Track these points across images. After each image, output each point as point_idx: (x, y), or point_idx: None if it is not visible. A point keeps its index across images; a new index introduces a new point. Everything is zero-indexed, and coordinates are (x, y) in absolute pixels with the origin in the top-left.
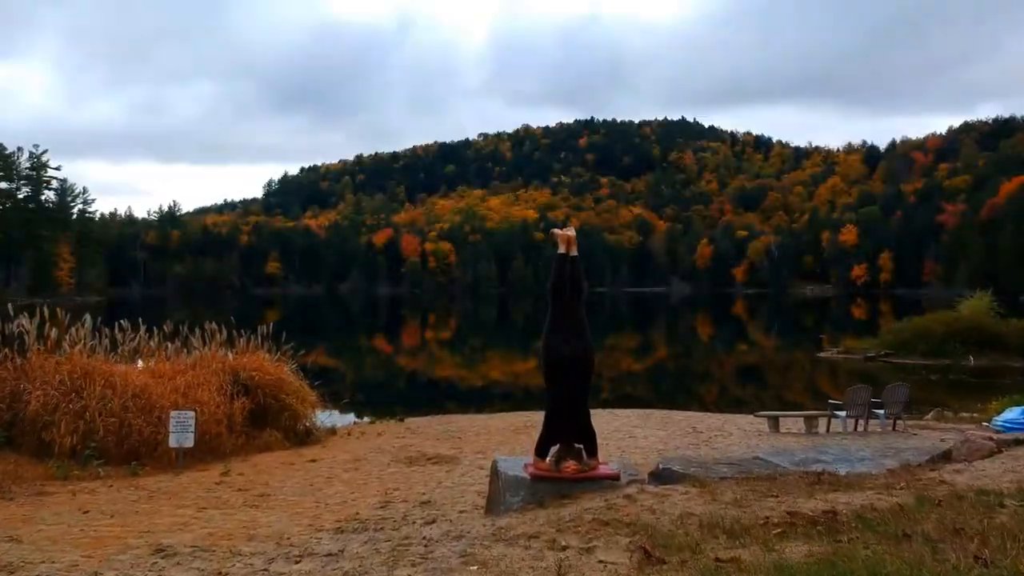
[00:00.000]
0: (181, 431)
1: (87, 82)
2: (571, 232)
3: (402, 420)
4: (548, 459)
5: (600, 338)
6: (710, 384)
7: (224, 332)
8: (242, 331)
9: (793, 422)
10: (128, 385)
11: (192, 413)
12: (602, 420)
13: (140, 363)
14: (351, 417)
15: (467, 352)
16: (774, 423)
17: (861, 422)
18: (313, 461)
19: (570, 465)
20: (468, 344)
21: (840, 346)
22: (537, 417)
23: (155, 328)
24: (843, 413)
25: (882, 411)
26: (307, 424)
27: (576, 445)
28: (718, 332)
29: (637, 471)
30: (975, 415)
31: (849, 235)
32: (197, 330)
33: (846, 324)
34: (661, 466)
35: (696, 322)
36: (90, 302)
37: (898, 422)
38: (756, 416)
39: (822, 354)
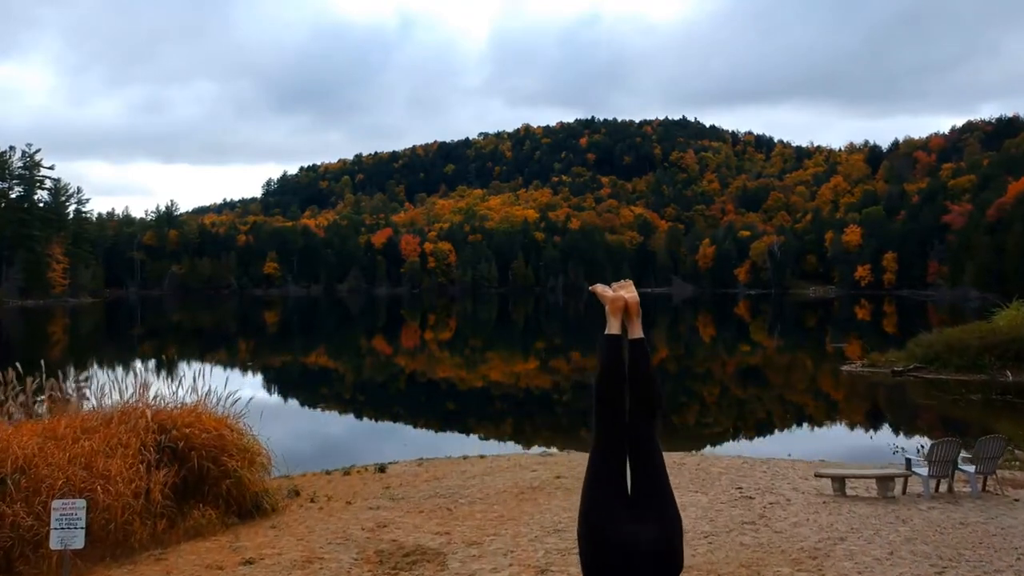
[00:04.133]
0: (67, 527)
1: (88, 82)
2: (628, 293)
3: (383, 469)
4: None
5: None
6: (720, 395)
7: (155, 374)
8: (175, 370)
9: (860, 480)
10: (7, 455)
11: (83, 503)
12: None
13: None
14: (334, 419)
15: (467, 353)
16: (840, 485)
17: (944, 481)
18: (249, 563)
19: None
20: (468, 345)
21: (865, 358)
22: (545, 473)
23: (63, 371)
24: (924, 471)
25: (970, 467)
26: (257, 491)
27: None
28: (724, 335)
29: None
30: None
31: (852, 235)
32: (120, 369)
33: (850, 326)
34: None
35: (699, 323)
36: (84, 304)
37: (988, 480)
38: (817, 475)
39: (846, 367)
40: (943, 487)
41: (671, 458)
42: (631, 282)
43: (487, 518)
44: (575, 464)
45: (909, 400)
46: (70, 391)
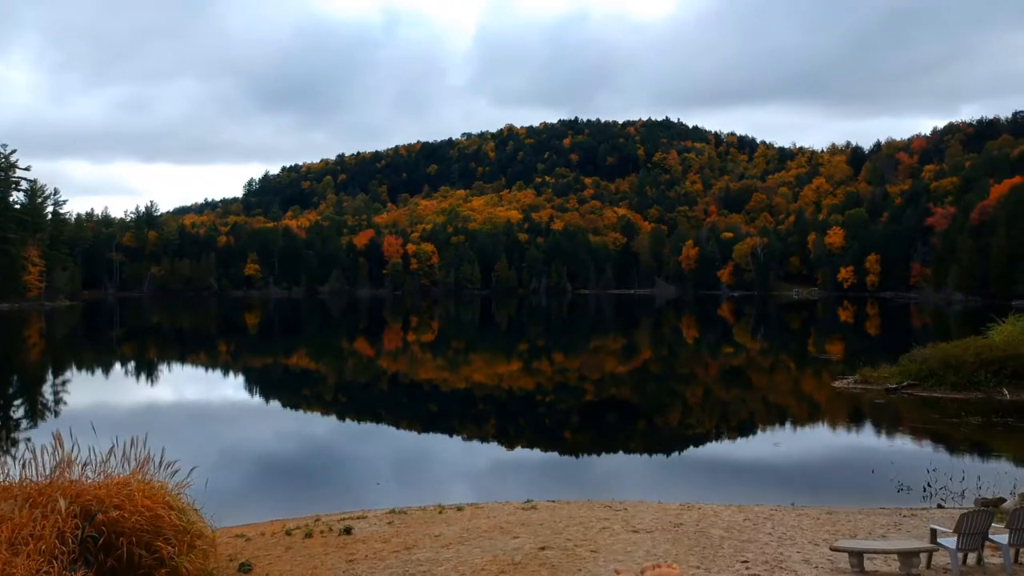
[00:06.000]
0: None
1: (70, 80)
2: None
3: (349, 531)
4: None
5: (585, 341)
6: (706, 410)
7: (77, 445)
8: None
9: (880, 553)
10: None
11: None
12: (614, 542)
13: None
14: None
15: (450, 355)
16: (857, 560)
17: (973, 553)
18: None
19: None
20: (451, 347)
21: (857, 374)
22: (528, 540)
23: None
24: (951, 543)
25: (1002, 537)
26: None
27: None
28: (708, 339)
29: None
30: None
31: (835, 237)
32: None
33: (833, 328)
34: None
35: (683, 325)
36: (61, 307)
37: (1022, 551)
38: (833, 549)
39: (838, 383)
40: (971, 559)
41: (667, 512)
42: (676, 569)
43: None
44: (560, 525)
45: (907, 424)
46: None
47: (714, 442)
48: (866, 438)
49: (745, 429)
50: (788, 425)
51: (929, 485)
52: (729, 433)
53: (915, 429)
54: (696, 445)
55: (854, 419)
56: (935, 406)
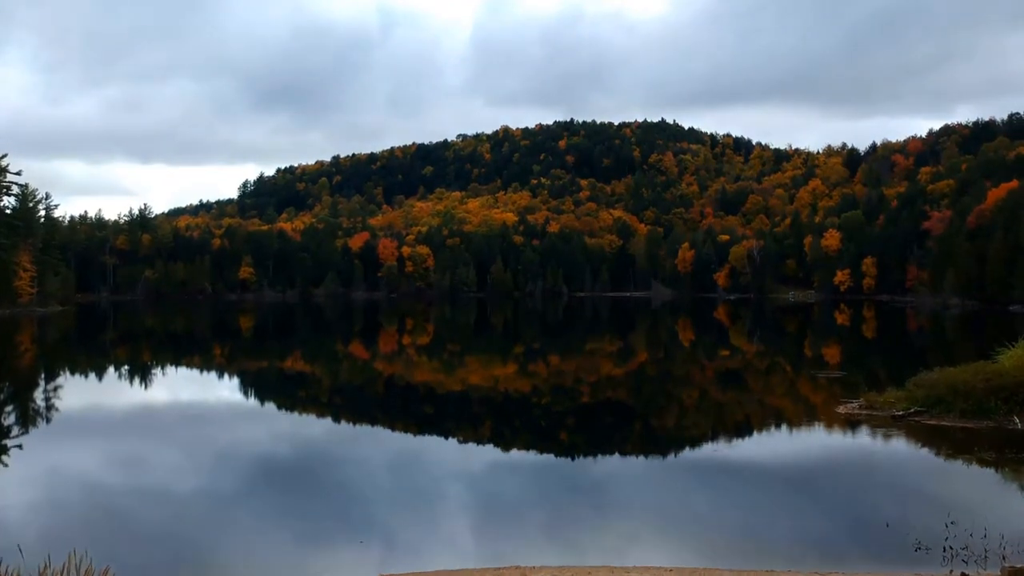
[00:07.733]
0: None
1: (64, 80)
2: None
3: None
4: None
5: (581, 343)
6: (702, 434)
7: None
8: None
9: None
10: None
11: None
12: None
13: None
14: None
15: (445, 357)
16: None
17: None
18: None
19: None
20: (446, 349)
21: (862, 399)
22: None
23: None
24: None
25: None
26: None
27: None
28: (704, 342)
29: None
30: None
31: (832, 240)
32: None
33: (830, 332)
34: None
35: (679, 328)
36: (53, 312)
37: None
38: None
39: (841, 409)
40: None
41: None
42: None
43: None
44: None
45: (919, 461)
46: None
47: (710, 453)
48: (876, 477)
49: (743, 451)
50: (791, 457)
51: (950, 547)
52: (727, 441)
53: (928, 468)
54: (692, 452)
55: (862, 453)
56: (945, 436)
